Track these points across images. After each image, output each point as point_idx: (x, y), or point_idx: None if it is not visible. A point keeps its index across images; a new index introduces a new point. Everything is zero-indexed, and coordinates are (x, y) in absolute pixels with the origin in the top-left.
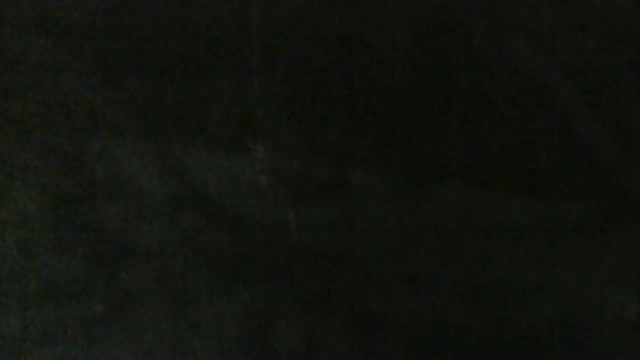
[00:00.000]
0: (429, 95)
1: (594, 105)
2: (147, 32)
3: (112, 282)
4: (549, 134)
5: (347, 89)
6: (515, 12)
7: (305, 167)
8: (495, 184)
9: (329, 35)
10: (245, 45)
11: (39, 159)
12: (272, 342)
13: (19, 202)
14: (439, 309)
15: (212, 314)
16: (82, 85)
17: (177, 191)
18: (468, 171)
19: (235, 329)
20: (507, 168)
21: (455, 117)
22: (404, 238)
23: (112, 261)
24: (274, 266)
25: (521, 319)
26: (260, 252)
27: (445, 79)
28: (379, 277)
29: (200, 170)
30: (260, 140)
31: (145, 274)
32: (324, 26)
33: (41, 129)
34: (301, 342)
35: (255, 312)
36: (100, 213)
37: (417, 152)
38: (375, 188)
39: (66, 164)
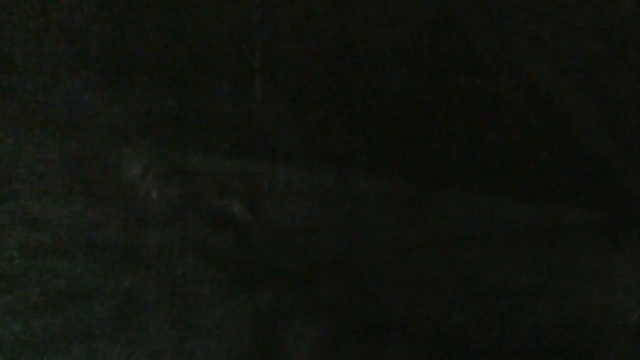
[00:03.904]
0: (431, 101)
1: (597, 109)
2: (149, 36)
3: (116, 287)
4: (551, 140)
5: (348, 93)
6: (518, 16)
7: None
8: (497, 190)
9: (330, 40)
10: (246, 49)
11: (41, 161)
12: (276, 348)
13: (21, 206)
14: (443, 313)
15: (216, 318)
16: (84, 88)
17: (179, 195)
18: (470, 177)
19: (240, 334)
20: (510, 173)
21: (457, 122)
22: (407, 244)
23: (116, 266)
24: (279, 272)
25: (524, 322)
26: (265, 257)
27: (447, 83)
28: (382, 282)
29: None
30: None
31: (150, 279)
32: (326, 31)
33: (45, 132)
34: (306, 347)
35: (260, 317)
36: (103, 217)
37: (419, 157)
38: (377, 194)
39: (70, 167)
